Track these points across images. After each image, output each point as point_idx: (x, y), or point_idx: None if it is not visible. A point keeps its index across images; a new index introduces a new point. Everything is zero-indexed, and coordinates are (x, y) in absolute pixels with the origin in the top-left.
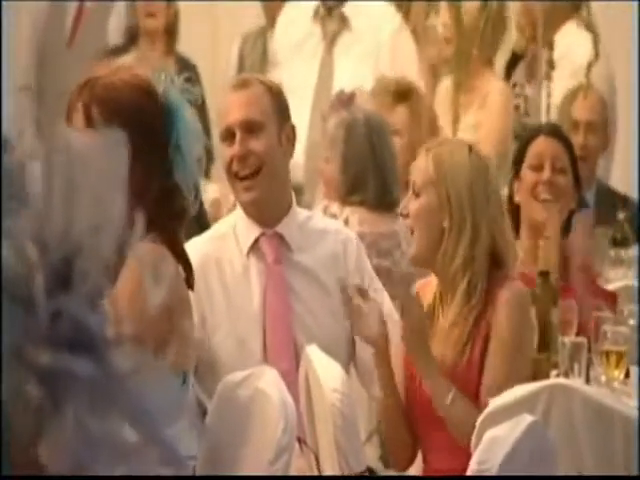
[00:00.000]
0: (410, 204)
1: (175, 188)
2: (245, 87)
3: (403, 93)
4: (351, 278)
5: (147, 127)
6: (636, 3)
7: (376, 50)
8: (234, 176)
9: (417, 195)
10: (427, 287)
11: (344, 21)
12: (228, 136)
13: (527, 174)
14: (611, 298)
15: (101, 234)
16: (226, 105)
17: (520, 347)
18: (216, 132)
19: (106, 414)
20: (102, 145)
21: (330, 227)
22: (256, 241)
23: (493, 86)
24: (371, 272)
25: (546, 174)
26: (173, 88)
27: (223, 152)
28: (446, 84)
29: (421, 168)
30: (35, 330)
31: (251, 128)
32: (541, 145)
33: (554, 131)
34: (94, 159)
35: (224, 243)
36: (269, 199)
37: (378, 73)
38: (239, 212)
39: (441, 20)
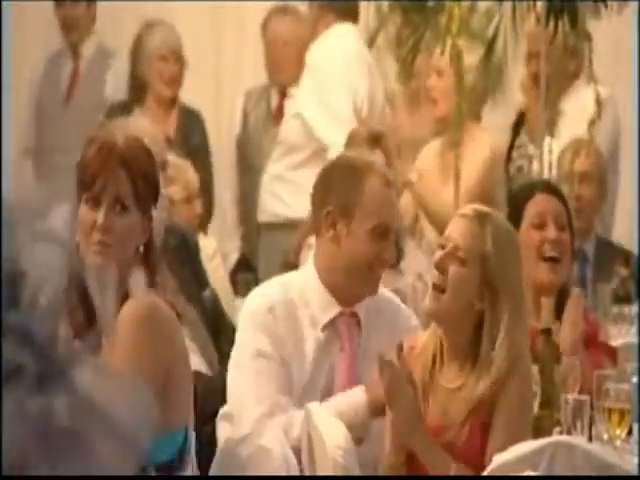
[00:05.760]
0: (451, 267)
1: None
2: None
3: (375, 138)
4: None
5: (155, 182)
6: (636, 3)
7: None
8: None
9: (462, 262)
10: (415, 348)
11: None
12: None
13: (530, 233)
14: (612, 353)
15: (46, 268)
16: None
17: (526, 409)
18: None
19: (45, 396)
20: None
21: (394, 300)
22: (332, 319)
23: (483, 141)
24: None
25: (552, 233)
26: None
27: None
28: (435, 144)
29: (473, 237)
30: None
31: None
32: (541, 203)
33: (550, 187)
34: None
35: (294, 311)
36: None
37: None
38: (313, 281)
39: (437, 66)
